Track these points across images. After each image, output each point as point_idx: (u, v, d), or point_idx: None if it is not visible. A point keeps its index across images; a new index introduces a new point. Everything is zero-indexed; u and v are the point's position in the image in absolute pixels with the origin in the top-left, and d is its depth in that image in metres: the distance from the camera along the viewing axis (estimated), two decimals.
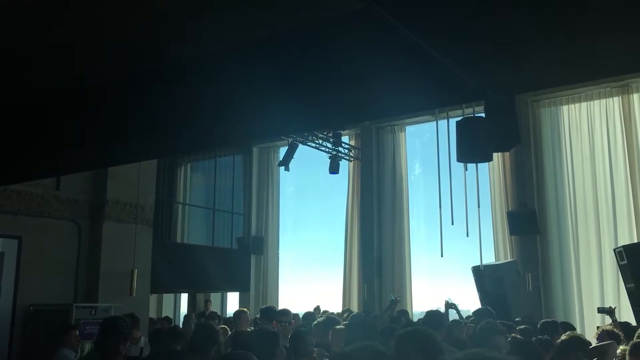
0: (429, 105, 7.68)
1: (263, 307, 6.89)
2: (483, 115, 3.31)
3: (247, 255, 15.17)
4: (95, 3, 3.14)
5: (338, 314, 9.54)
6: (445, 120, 12.11)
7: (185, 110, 3.98)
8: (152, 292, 10.49)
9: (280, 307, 14.73)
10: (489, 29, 2.86)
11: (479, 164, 10.13)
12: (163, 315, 12.84)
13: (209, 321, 8.59)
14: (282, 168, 13.58)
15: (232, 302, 15.84)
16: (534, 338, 5.35)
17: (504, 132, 3.17)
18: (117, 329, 3.91)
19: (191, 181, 15.71)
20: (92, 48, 3.66)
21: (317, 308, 10.66)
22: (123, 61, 3.89)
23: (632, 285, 8.14)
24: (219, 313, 12.80)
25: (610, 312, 7.28)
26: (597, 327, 7.12)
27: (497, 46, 2.89)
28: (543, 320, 6.96)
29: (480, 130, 3.27)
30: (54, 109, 4.58)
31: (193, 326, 7.85)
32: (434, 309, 6.01)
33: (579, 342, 4.63)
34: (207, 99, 3.88)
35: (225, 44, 3.63)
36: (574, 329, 6.53)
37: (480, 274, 10.51)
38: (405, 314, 9.60)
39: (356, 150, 14.38)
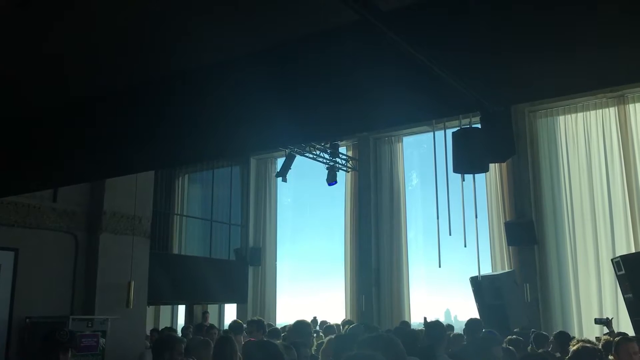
0: (426, 116, 7.70)
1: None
2: (479, 126, 3.32)
3: (244, 267, 15.14)
4: (92, 14, 3.15)
5: (337, 325, 9.49)
6: (443, 131, 12.16)
7: (182, 122, 3.99)
8: (150, 304, 10.45)
9: (278, 318, 14.73)
10: (485, 41, 2.88)
11: (476, 175, 10.15)
12: (161, 328, 12.77)
13: (210, 331, 8.59)
14: (279, 179, 13.59)
15: (230, 313, 15.79)
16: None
17: (499, 143, 3.18)
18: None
19: (189, 192, 15.70)
20: (89, 60, 3.67)
21: (314, 320, 10.62)
22: (121, 74, 3.91)
23: (630, 295, 8.12)
24: (216, 325, 12.74)
25: (607, 322, 7.28)
26: (596, 338, 7.12)
27: (493, 57, 2.91)
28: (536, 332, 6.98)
29: (476, 141, 3.28)
30: (50, 121, 4.59)
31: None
32: (434, 319, 6.01)
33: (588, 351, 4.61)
34: (204, 110, 3.89)
35: (223, 56, 3.64)
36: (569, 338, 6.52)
37: (479, 284, 10.50)
38: (406, 325, 9.57)
39: (353, 161, 14.39)
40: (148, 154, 4.54)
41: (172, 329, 10.93)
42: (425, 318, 8.34)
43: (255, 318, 7.03)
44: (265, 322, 12.45)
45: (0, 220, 7.73)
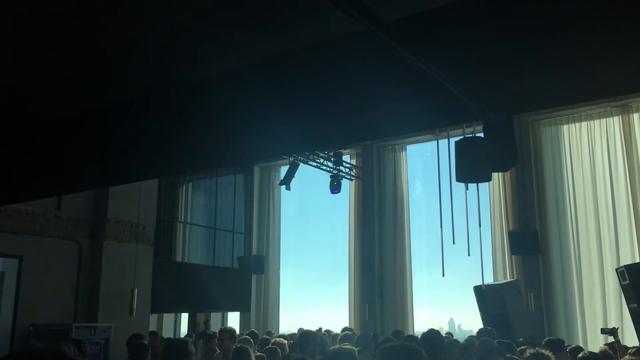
0: (429, 126, 7.71)
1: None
2: (482, 135, 3.33)
3: (248, 275, 15.13)
4: (101, 26, 3.18)
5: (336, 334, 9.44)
6: (446, 140, 12.16)
7: (187, 131, 4.01)
8: (152, 311, 10.44)
9: (281, 327, 14.69)
10: (487, 51, 2.89)
11: (480, 183, 10.15)
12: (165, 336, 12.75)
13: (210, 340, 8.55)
14: (283, 187, 13.59)
15: (233, 322, 15.77)
16: None
17: (502, 153, 3.18)
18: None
19: (192, 200, 15.73)
20: (97, 72, 3.69)
21: (319, 331, 10.58)
22: (125, 85, 3.93)
23: (635, 305, 8.08)
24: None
25: (613, 332, 7.24)
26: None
27: (496, 67, 2.92)
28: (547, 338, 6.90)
29: (479, 151, 3.28)
30: (56, 129, 4.61)
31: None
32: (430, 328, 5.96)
33: None
34: (210, 120, 3.91)
35: (229, 65, 3.66)
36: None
37: (482, 293, 10.47)
38: (399, 334, 9.47)
39: (357, 170, 14.40)
40: (151, 162, 4.56)
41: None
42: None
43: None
44: (268, 330, 12.48)
45: (4, 228, 7.76)
